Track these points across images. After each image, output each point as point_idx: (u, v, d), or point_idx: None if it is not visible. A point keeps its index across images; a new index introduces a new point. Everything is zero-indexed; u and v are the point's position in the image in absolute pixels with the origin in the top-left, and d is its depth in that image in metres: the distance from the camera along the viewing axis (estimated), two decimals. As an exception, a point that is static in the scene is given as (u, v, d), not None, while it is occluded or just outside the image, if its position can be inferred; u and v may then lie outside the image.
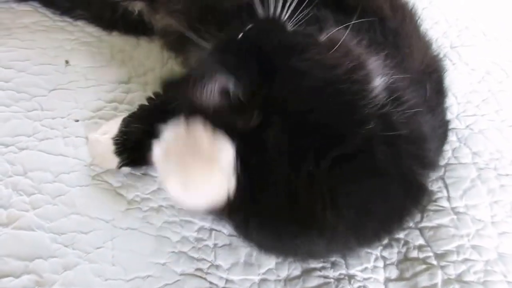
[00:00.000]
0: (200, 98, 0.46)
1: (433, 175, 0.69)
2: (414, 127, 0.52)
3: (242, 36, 0.53)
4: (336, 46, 0.50)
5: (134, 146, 0.64)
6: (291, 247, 0.54)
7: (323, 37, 0.52)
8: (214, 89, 0.45)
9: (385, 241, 0.64)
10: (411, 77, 0.58)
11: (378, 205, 0.51)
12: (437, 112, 0.65)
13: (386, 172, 0.49)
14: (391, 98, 0.50)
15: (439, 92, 0.68)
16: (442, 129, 0.69)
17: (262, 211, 0.49)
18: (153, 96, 0.70)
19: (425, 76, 0.64)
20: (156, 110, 0.66)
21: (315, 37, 0.53)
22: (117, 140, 0.64)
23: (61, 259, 0.57)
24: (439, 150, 0.69)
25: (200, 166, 0.48)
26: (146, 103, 0.69)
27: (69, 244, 0.58)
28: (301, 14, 0.56)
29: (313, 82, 0.47)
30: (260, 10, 0.55)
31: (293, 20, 0.55)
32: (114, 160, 0.64)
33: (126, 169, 0.66)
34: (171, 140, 0.50)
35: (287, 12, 0.54)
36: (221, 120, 0.46)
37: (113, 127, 0.65)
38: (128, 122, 0.65)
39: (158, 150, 0.51)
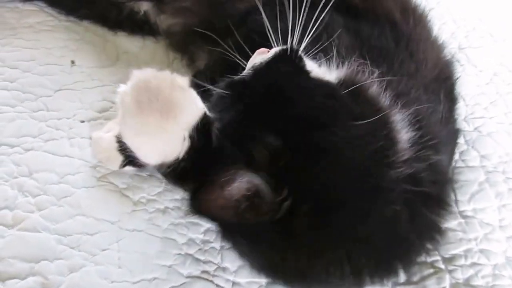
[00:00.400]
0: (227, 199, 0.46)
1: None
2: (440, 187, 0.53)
3: (252, 79, 0.53)
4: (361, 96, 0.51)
5: None
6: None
7: (340, 78, 0.52)
8: (239, 189, 0.45)
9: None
10: (426, 84, 0.58)
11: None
12: (451, 122, 0.64)
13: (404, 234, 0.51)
14: (417, 153, 0.51)
15: (452, 100, 0.67)
16: (454, 141, 0.69)
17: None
18: None
19: (439, 83, 0.63)
20: None
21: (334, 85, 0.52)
22: (120, 138, 0.64)
23: (66, 261, 0.56)
24: (450, 163, 0.68)
25: (160, 115, 0.48)
26: None
27: (75, 245, 0.58)
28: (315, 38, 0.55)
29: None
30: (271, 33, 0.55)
31: (308, 48, 0.55)
32: (117, 158, 0.63)
33: (130, 170, 0.65)
34: (139, 85, 0.50)
35: (305, 40, 0.54)
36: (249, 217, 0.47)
37: (117, 125, 0.65)
38: None
39: (122, 90, 0.50)
